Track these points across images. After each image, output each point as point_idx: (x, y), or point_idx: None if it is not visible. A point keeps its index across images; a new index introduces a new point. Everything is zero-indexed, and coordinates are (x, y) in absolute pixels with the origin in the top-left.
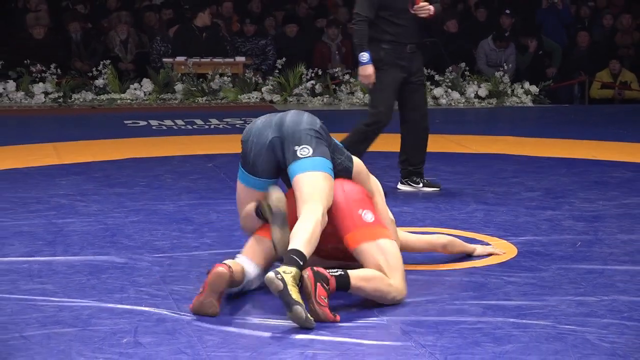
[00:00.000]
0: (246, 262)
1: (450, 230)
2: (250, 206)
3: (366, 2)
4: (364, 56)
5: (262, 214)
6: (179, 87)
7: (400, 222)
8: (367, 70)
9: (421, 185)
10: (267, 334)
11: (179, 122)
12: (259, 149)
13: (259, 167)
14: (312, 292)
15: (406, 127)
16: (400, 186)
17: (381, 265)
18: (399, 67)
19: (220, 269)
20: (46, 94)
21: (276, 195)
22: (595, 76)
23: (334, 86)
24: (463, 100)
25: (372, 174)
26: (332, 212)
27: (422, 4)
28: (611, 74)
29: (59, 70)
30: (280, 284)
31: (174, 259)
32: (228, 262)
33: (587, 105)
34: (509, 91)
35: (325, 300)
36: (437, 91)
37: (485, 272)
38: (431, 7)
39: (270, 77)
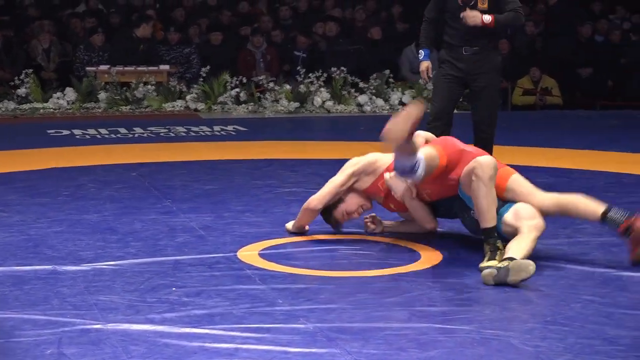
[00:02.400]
0: None
1: (376, 237)
2: None
3: (431, 3)
4: (420, 53)
5: None
6: (102, 95)
7: (325, 229)
8: (421, 67)
9: None
10: (192, 344)
11: (103, 131)
12: None
13: None
14: None
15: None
16: None
17: None
18: (455, 68)
19: None
20: None
21: None
22: (517, 83)
23: (258, 94)
24: (387, 107)
25: None
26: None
27: (468, 12)
28: (532, 81)
29: None
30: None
31: (98, 269)
32: None
33: (510, 112)
34: None
35: None
36: (362, 98)
37: (411, 278)
38: (478, 16)
39: (195, 85)
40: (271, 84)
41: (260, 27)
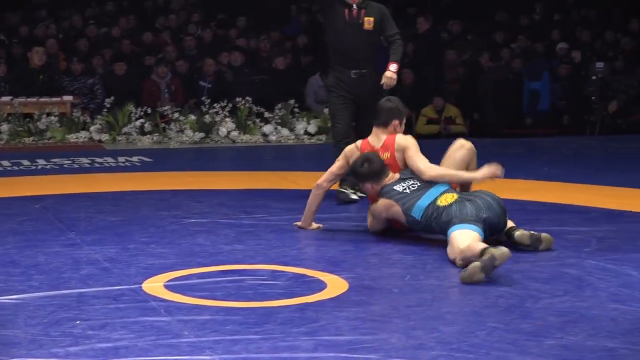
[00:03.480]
0: None
1: (282, 266)
2: None
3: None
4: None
5: None
6: (4, 127)
7: (231, 259)
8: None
9: None
10: None
11: (5, 163)
12: None
13: None
14: None
15: None
16: (354, 196)
17: None
18: (345, 90)
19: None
20: None
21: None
22: (420, 112)
23: (163, 124)
24: (292, 137)
25: None
26: None
27: (389, 81)
28: (435, 110)
29: None
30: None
31: (0, 303)
32: None
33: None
34: None
35: None
36: (267, 128)
37: (317, 308)
38: (394, 77)
39: (99, 116)
40: (176, 114)
41: (165, 57)
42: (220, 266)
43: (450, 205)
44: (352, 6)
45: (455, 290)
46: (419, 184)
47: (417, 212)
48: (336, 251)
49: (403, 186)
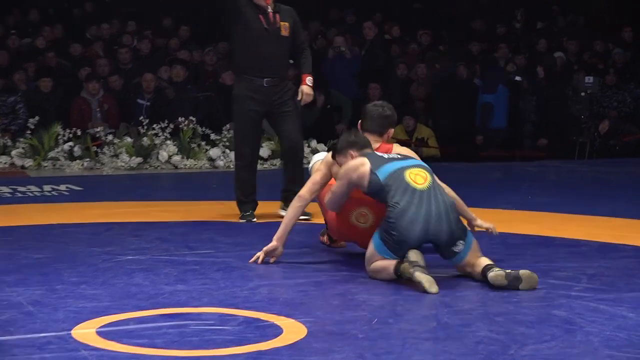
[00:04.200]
0: None
1: (231, 309)
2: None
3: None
4: None
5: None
6: None
7: (173, 302)
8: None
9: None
10: None
11: None
12: None
13: None
14: None
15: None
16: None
17: None
18: (256, 102)
19: None
20: None
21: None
22: None
23: (95, 148)
24: None
25: None
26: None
27: (306, 98)
28: (406, 131)
29: None
30: None
31: None
32: None
33: None
34: None
35: None
36: (213, 152)
37: (272, 357)
38: (310, 92)
39: (22, 139)
40: (110, 137)
41: (97, 71)
42: (161, 309)
43: (412, 191)
44: (266, 11)
45: (429, 335)
46: (400, 156)
47: (383, 173)
48: (294, 291)
49: (385, 155)
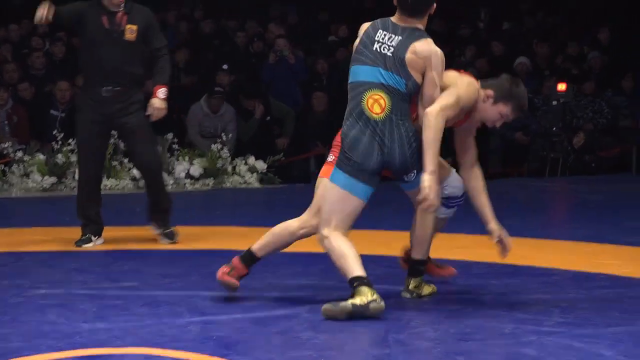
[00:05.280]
0: None
1: (158, 349)
2: None
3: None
4: None
5: None
6: None
7: (92, 341)
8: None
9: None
10: None
11: None
12: None
13: None
14: None
15: None
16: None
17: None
18: (97, 114)
19: None
20: None
21: None
22: None
23: (2, 167)
24: (171, 182)
25: None
26: None
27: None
28: None
29: None
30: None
31: None
32: None
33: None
34: (230, 169)
35: None
36: (137, 171)
37: None
38: (162, 108)
39: None
40: (19, 154)
41: (4, 78)
42: (79, 350)
43: (366, 119)
44: (111, 11)
45: None
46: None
47: (353, 73)
48: (228, 328)
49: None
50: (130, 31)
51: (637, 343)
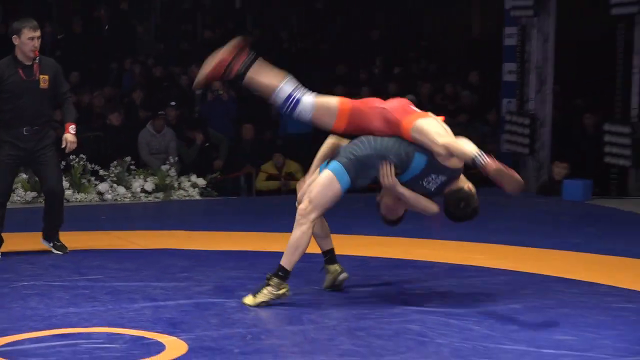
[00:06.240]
0: None
1: (118, 329)
2: None
3: None
4: None
5: None
6: None
7: (65, 323)
8: None
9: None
10: None
11: None
12: None
13: None
14: None
15: None
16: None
17: None
18: (17, 148)
19: None
20: None
21: None
22: (260, 168)
23: None
24: (129, 195)
25: None
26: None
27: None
28: (275, 166)
29: None
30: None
31: None
32: None
33: (254, 197)
34: (176, 184)
35: None
36: (102, 186)
37: None
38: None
39: None
40: None
41: None
42: (54, 330)
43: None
44: (25, 65)
45: (297, 349)
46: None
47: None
48: (175, 311)
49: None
50: (44, 80)
51: (499, 320)
